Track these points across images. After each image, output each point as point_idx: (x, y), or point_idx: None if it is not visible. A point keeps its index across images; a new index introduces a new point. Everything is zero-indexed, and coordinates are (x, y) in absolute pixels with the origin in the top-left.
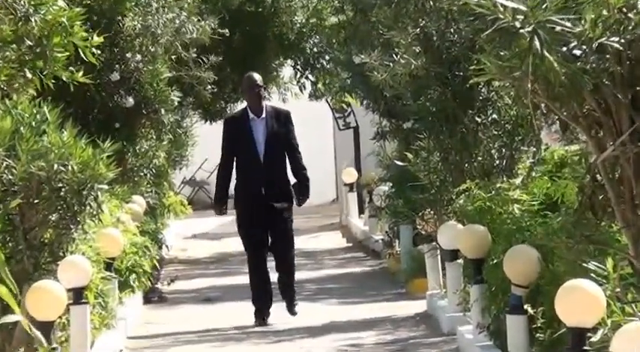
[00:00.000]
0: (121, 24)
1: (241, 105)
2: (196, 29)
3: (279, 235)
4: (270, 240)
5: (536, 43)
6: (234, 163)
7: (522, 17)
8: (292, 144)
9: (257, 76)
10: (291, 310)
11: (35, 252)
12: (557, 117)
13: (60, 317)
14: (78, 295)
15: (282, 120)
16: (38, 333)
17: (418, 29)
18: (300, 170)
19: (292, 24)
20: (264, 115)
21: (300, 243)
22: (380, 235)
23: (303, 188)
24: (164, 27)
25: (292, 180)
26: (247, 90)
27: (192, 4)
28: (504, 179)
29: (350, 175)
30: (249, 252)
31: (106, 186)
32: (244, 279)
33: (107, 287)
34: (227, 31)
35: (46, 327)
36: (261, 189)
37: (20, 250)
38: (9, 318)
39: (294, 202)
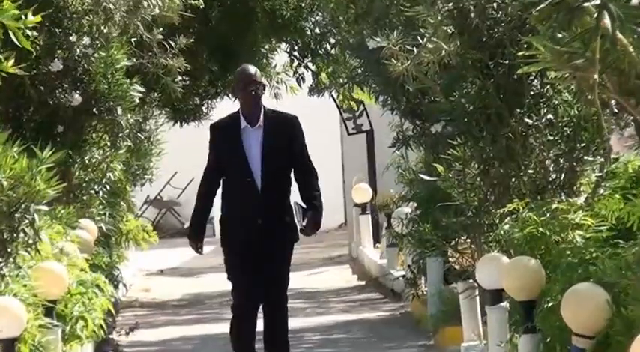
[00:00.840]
0: None
1: (222, 103)
2: (161, 3)
3: (275, 279)
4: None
5: (607, 21)
6: (221, 185)
7: None
8: (302, 163)
9: (253, 70)
10: None
11: None
12: (631, 117)
13: None
14: (9, 348)
15: (286, 130)
16: None
17: (451, 4)
18: (313, 198)
19: None
20: (260, 123)
21: (300, 280)
22: (401, 271)
23: (314, 212)
24: (119, 0)
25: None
26: (240, 90)
27: None
28: (562, 198)
29: (362, 193)
30: (236, 302)
31: (45, 208)
32: (224, 328)
33: (47, 337)
34: (202, 3)
35: None
36: (258, 219)
37: None
38: None
39: (298, 234)
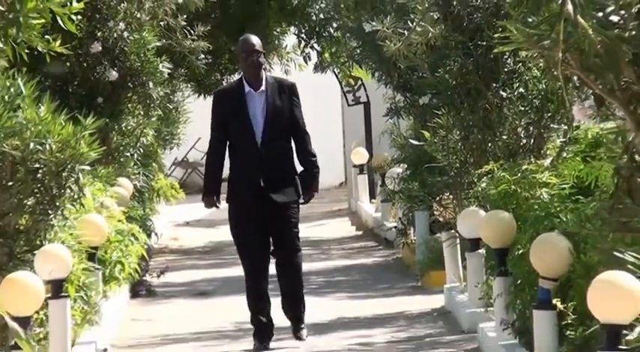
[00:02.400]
0: None
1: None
2: None
3: (282, 240)
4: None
5: (569, 7)
6: (227, 148)
7: None
8: (298, 124)
9: (255, 40)
10: (298, 334)
11: (9, 241)
12: (591, 90)
13: (37, 313)
14: (57, 288)
15: (286, 94)
16: (15, 325)
17: None
18: (307, 156)
19: None
20: (263, 88)
21: (305, 231)
22: (393, 222)
23: (310, 178)
24: None
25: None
26: (243, 57)
27: None
28: (531, 160)
29: (360, 156)
30: (245, 263)
31: (88, 167)
32: (241, 271)
33: (90, 279)
34: None
35: (22, 323)
36: (260, 180)
37: None
38: None
39: (301, 197)
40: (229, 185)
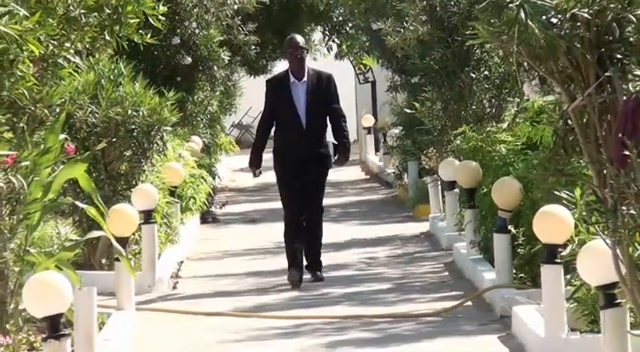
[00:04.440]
0: None
1: (281, 63)
2: (239, 0)
3: (311, 202)
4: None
5: (522, 14)
6: (274, 126)
7: None
8: (335, 109)
9: (299, 38)
10: (314, 274)
11: (114, 181)
12: (537, 73)
13: (133, 234)
14: (148, 216)
15: (324, 84)
16: (118, 245)
17: (425, 2)
18: (341, 132)
19: None
20: (305, 79)
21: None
22: (392, 169)
23: (343, 149)
24: (211, 1)
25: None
26: (290, 53)
27: None
28: (494, 124)
29: (368, 120)
30: (286, 207)
31: (169, 128)
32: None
33: (171, 210)
34: (267, 1)
35: (122, 242)
36: (300, 154)
37: (102, 179)
38: (93, 234)
39: (333, 162)
40: (276, 157)
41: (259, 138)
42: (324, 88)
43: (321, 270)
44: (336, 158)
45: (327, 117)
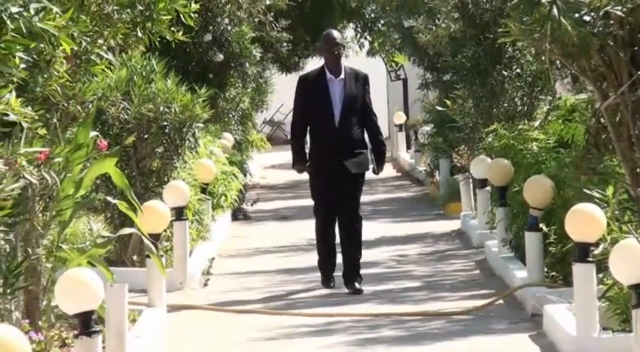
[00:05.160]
0: None
1: (312, 60)
2: None
3: (347, 208)
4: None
5: (555, 10)
6: (309, 125)
7: None
8: (369, 109)
9: (337, 34)
10: (352, 286)
11: (145, 178)
12: (569, 71)
13: (165, 231)
14: (179, 213)
15: (360, 83)
16: (149, 243)
17: None
18: (376, 135)
19: None
20: (342, 76)
21: None
22: (423, 167)
23: (379, 155)
24: None
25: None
26: (327, 48)
27: None
28: (525, 122)
29: (399, 118)
30: (318, 217)
31: (201, 125)
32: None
33: (202, 207)
34: None
35: (154, 239)
36: (336, 154)
37: (134, 176)
38: (125, 231)
39: (370, 169)
40: (310, 157)
41: (296, 141)
42: (360, 87)
43: (360, 282)
44: (374, 167)
45: (363, 121)
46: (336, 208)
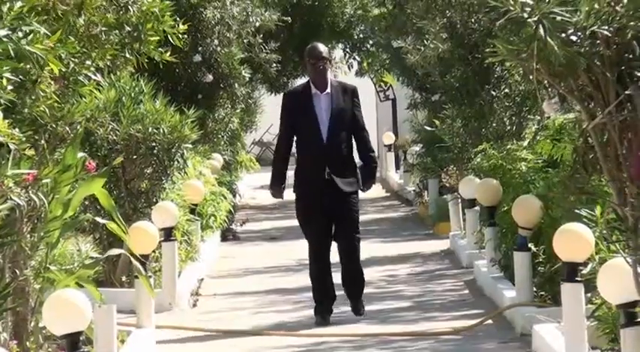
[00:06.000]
0: (202, 15)
1: (301, 80)
2: (261, 19)
3: (344, 227)
4: (333, 229)
5: (541, 30)
6: (294, 144)
7: (529, 9)
8: (359, 123)
9: (323, 48)
10: (357, 310)
11: (134, 199)
12: (557, 91)
13: (153, 252)
14: (168, 234)
15: (348, 96)
16: (138, 264)
17: (445, 19)
18: (367, 152)
19: (342, 14)
20: (329, 90)
21: None
22: (412, 187)
23: (369, 171)
24: (233, 19)
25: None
26: (312, 63)
27: None
28: (514, 142)
29: (389, 138)
30: (310, 239)
31: (190, 146)
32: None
33: (191, 227)
34: (289, 19)
35: (143, 260)
36: (325, 171)
37: (122, 197)
38: (114, 251)
39: (360, 184)
40: (296, 176)
41: (279, 160)
42: (348, 100)
43: (364, 309)
44: (361, 185)
45: (352, 135)
46: (335, 233)
